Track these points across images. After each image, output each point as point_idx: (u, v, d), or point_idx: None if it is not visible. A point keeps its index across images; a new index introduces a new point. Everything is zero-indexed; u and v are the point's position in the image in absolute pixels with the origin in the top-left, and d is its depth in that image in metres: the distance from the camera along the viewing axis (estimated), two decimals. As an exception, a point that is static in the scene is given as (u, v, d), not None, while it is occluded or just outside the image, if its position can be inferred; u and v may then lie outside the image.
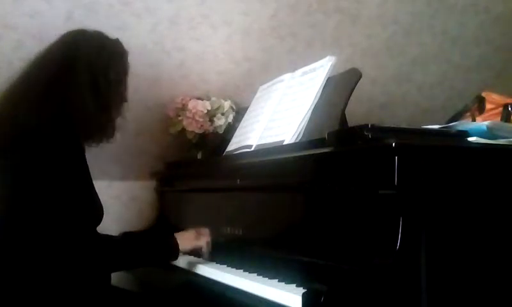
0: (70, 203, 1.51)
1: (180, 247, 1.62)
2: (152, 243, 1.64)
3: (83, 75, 1.62)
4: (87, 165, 1.62)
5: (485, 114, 1.94)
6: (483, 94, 1.99)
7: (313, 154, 1.46)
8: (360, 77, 1.64)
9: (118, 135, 1.74)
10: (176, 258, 1.64)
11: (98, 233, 1.59)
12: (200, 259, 1.75)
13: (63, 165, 1.53)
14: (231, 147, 2.03)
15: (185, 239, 1.65)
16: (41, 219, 1.48)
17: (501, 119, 1.85)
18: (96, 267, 1.55)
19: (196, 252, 1.73)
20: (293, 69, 1.93)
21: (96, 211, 1.63)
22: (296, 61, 2.16)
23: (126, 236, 1.79)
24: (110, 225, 1.66)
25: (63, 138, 1.55)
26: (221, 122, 2.26)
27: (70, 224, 1.49)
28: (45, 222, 1.48)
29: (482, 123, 1.55)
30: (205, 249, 1.69)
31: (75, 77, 1.61)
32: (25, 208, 1.50)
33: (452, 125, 1.60)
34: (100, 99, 1.64)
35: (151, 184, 2.43)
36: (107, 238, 1.61)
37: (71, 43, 1.67)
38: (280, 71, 2.00)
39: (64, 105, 1.57)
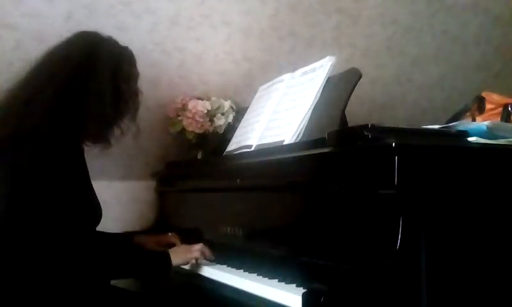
0: (69, 203, 1.52)
1: (173, 261, 1.63)
2: (146, 257, 1.68)
3: (106, 84, 1.63)
4: (86, 166, 1.63)
5: (485, 114, 1.94)
6: (483, 94, 1.99)
7: (313, 154, 1.46)
8: (360, 76, 1.64)
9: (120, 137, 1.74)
10: (168, 272, 1.63)
11: (96, 232, 1.59)
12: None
13: (62, 167, 1.53)
14: (231, 147, 2.03)
15: (177, 253, 1.67)
16: (40, 220, 1.49)
17: (501, 119, 1.85)
18: (91, 268, 1.55)
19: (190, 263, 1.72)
20: (293, 69, 1.93)
21: (95, 211, 1.63)
22: (296, 61, 2.16)
23: (122, 243, 1.81)
24: (110, 225, 1.66)
25: (63, 140, 1.55)
26: (221, 122, 2.26)
27: (68, 224, 1.50)
28: (44, 222, 1.48)
29: (482, 123, 1.55)
30: (200, 260, 1.69)
31: (97, 85, 1.62)
32: (24, 208, 1.50)
33: (452, 125, 1.60)
34: (120, 107, 1.68)
35: (151, 184, 2.43)
36: (104, 239, 1.61)
37: (90, 49, 1.67)
38: (280, 71, 2.00)
39: (80, 110, 1.59)
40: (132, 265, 1.61)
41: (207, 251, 1.70)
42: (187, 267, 1.75)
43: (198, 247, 1.69)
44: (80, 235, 1.53)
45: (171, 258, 1.63)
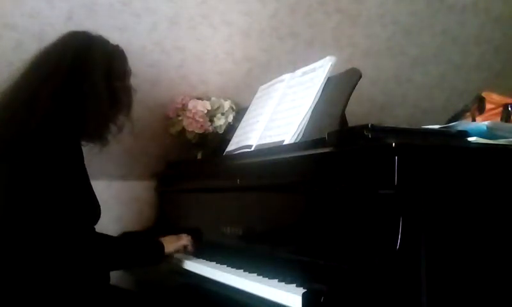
0: (68, 202, 1.53)
1: (166, 250, 1.73)
2: (141, 244, 1.76)
3: (101, 84, 1.65)
4: (84, 165, 1.63)
5: (485, 114, 1.93)
6: (483, 94, 1.99)
7: (313, 154, 1.46)
8: (360, 76, 1.64)
9: (118, 135, 1.75)
10: (161, 259, 1.73)
11: (95, 231, 1.60)
12: (199, 259, 1.76)
13: (64, 166, 1.54)
14: (231, 147, 2.03)
15: (168, 242, 1.76)
16: (40, 218, 1.50)
17: (501, 119, 1.85)
18: (91, 264, 1.57)
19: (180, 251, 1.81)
20: (293, 69, 1.93)
21: (94, 210, 1.64)
22: (296, 61, 2.16)
23: (121, 237, 1.84)
24: (110, 225, 1.66)
25: (64, 140, 1.56)
26: (221, 122, 2.27)
27: (68, 222, 1.51)
28: (44, 220, 1.49)
29: (482, 123, 1.55)
30: (189, 247, 1.81)
31: (92, 85, 1.63)
32: (24, 207, 1.51)
33: (452, 125, 1.60)
34: (115, 104, 1.70)
35: (151, 184, 2.43)
36: (103, 237, 1.62)
37: (82, 50, 1.68)
38: (280, 71, 2.00)
39: (78, 110, 1.60)
40: (129, 254, 1.68)
41: (191, 241, 1.83)
42: (185, 266, 1.75)
43: (185, 235, 1.81)
44: (80, 232, 1.54)
45: (165, 246, 1.72)
